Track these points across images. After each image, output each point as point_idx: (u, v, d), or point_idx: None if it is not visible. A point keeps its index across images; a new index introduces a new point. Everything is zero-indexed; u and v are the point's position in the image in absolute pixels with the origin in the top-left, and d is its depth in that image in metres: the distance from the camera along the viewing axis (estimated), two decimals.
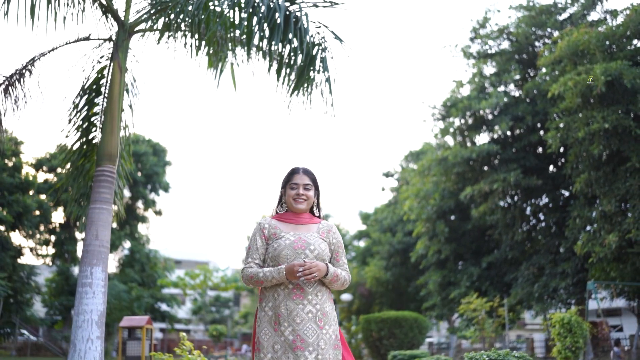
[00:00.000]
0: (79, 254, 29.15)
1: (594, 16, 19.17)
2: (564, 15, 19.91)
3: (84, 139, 6.95)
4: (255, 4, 5.55)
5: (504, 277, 20.50)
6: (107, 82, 6.70)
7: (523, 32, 19.75)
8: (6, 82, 6.38)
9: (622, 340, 20.12)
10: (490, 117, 20.38)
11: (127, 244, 30.17)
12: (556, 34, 18.54)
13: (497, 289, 20.61)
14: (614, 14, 18.17)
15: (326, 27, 5.79)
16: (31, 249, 27.68)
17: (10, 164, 23.83)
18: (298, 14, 5.64)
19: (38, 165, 28.24)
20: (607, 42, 15.36)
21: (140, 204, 31.04)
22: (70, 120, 6.83)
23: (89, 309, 5.51)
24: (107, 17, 6.47)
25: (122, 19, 6.37)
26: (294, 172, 3.18)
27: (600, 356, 17.41)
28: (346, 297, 29.50)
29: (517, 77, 20.71)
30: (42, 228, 27.79)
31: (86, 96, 6.84)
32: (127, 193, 29.42)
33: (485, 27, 21.44)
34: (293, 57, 5.88)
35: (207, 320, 40.76)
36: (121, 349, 9.55)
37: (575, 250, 15.87)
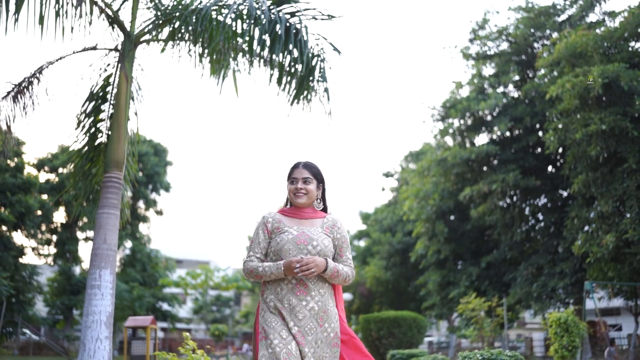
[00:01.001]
0: (81, 253, 29.40)
1: (592, 18, 19.28)
2: (563, 17, 20.00)
3: (91, 144, 7.13)
4: (257, 16, 5.71)
5: (503, 277, 20.63)
6: (112, 89, 6.88)
7: (522, 34, 19.85)
8: (15, 90, 6.57)
9: (617, 340, 20.28)
10: (489, 118, 20.51)
11: (129, 244, 30.32)
12: (555, 35, 18.65)
13: (496, 288, 20.75)
14: (612, 15, 18.27)
15: (325, 39, 5.97)
16: (33, 249, 27.83)
17: (13, 164, 23.96)
18: (298, 26, 5.81)
19: (40, 166, 28.39)
20: (605, 44, 15.49)
21: (141, 204, 31.20)
22: (78, 125, 7.01)
23: (97, 310, 5.70)
24: (113, 27, 6.65)
25: (128, 29, 6.54)
26: (294, 166, 3.17)
27: (598, 355, 17.58)
28: (346, 296, 29.65)
29: (516, 78, 20.83)
30: (43, 228, 27.94)
31: (93, 103, 7.01)
32: (128, 193, 29.54)
33: (485, 29, 21.53)
34: (293, 67, 6.06)
35: (208, 320, 40.93)
36: (126, 349, 9.70)
37: (573, 251, 16.00)
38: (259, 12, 5.68)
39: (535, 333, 33.11)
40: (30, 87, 6.55)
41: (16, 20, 5.52)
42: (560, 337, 11.28)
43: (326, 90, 6.09)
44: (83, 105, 6.97)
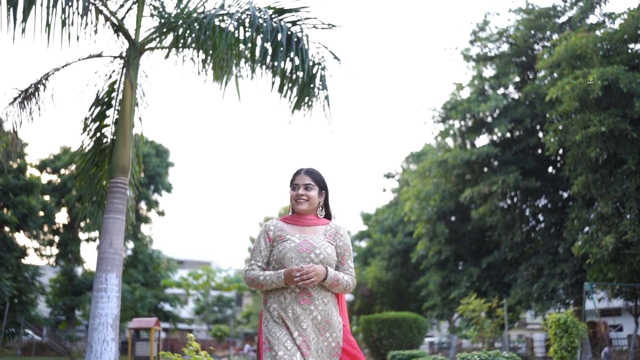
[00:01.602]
0: (83, 254, 29.57)
1: (592, 19, 19.35)
2: (563, 19, 20.06)
3: (96, 148, 7.25)
4: (259, 24, 5.81)
5: (504, 278, 20.71)
6: (117, 95, 7.00)
7: (522, 35, 19.92)
8: (22, 96, 6.69)
9: (617, 340, 20.33)
10: (489, 119, 20.59)
11: (131, 245, 30.44)
12: (555, 37, 18.72)
13: (496, 289, 20.83)
14: (612, 17, 18.35)
15: (325, 47, 6.10)
16: (35, 250, 27.97)
17: (15, 165, 24.08)
18: (299, 34, 5.93)
19: (42, 167, 28.53)
20: (605, 46, 15.56)
21: (143, 205, 31.29)
22: (84, 130, 7.12)
23: (104, 313, 5.81)
24: (118, 35, 6.77)
25: (133, 37, 6.66)
26: (296, 172, 3.15)
27: (598, 356, 17.65)
28: (348, 297, 29.77)
29: (516, 79, 20.90)
30: (46, 229, 28.08)
31: (98, 108, 7.13)
32: (130, 194, 29.63)
33: (485, 30, 21.60)
34: (295, 74, 6.18)
35: (209, 320, 41.03)
36: (130, 349, 9.80)
37: (573, 252, 16.08)
38: (261, 21, 5.78)
39: (536, 333, 33.16)
40: (36, 93, 6.67)
41: (23, 28, 5.64)
42: (560, 337, 11.36)
43: (327, 97, 6.22)
44: (89, 110, 7.09)
